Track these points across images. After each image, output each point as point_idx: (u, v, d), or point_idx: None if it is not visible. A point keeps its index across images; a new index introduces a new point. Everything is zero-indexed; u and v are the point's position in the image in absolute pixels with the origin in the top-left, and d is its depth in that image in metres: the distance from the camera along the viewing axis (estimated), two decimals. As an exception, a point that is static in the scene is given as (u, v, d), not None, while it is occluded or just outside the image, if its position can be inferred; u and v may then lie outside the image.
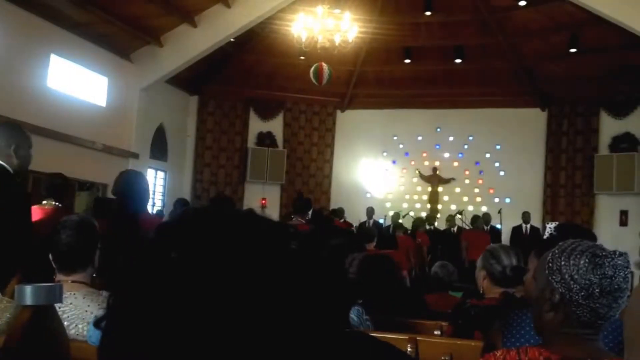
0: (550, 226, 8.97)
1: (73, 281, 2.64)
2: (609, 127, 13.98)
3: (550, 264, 1.59)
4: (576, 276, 1.53)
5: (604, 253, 1.55)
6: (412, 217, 14.26)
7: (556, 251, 1.60)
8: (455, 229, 13.27)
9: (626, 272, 1.55)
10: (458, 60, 14.37)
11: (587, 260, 1.54)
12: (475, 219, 12.68)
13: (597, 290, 1.51)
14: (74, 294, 2.57)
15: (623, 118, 13.80)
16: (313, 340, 0.63)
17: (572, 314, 1.55)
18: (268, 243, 0.66)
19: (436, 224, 13.56)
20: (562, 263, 1.56)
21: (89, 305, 2.54)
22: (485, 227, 12.51)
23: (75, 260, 2.67)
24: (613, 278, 1.52)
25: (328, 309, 0.66)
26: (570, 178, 14.43)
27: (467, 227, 13.22)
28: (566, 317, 1.56)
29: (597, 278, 1.51)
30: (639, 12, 10.67)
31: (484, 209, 14.66)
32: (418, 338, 2.97)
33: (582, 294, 1.52)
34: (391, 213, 14.12)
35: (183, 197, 11.27)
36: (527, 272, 2.86)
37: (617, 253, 1.56)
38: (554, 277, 1.57)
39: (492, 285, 3.13)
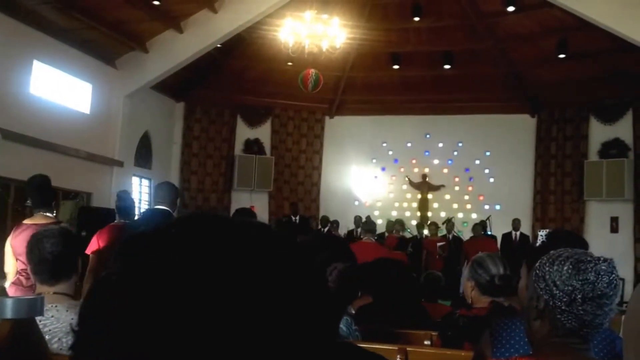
0: (542, 233, 8.90)
1: (55, 293, 2.59)
2: (599, 133, 13.98)
3: (537, 271, 1.59)
4: (558, 282, 1.53)
5: (588, 259, 1.54)
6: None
7: (544, 259, 1.60)
8: (450, 236, 13.15)
9: (610, 278, 1.52)
10: (447, 66, 14.34)
11: (570, 266, 1.53)
12: (476, 226, 12.56)
13: (579, 296, 1.50)
14: (56, 306, 2.51)
15: (612, 124, 13.79)
16: (300, 351, 0.60)
17: (557, 321, 1.54)
18: (255, 250, 0.62)
19: (426, 231, 13.45)
20: (547, 269, 1.56)
21: (72, 318, 2.47)
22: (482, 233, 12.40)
23: (60, 269, 2.62)
24: (595, 283, 1.50)
25: (313, 315, 0.62)
26: (560, 184, 14.41)
27: (457, 234, 13.14)
28: (553, 325, 1.56)
29: (579, 283, 1.51)
30: (627, 17, 10.66)
31: (474, 216, 14.63)
32: (408, 349, 3.00)
33: (565, 299, 1.52)
34: (380, 222, 14.01)
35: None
36: (516, 280, 2.77)
37: (602, 259, 1.55)
38: (539, 283, 1.57)
39: (480, 295, 3.14)
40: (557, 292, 1.53)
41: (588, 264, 1.53)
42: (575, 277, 1.51)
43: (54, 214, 4.79)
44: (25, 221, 4.63)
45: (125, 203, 5.81)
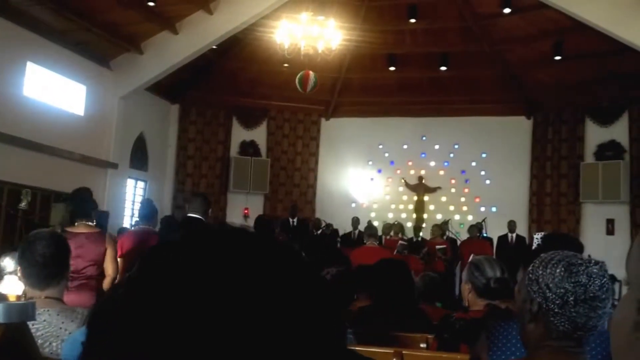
0: (537, 237, 8.90)
1: (47, 297, 2.56)
2: (595, 134, 13.96)
3: (530, 275, 1.61)
4: (551, 284, 1.55)
5: (579, 261, 1.57)
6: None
7: (537, 262, 1.62)
8: (446, 237, 13.11)
9: (602, 281, 1.54)
10: (443, 68, 14.32)
11: (562, 268, 1.55)
12: (472, 228, 12.53)
13: (571, 298, 1.52)
14: (48, 310, 2.48)
15: (608, 126, 13.78)
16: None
17: (550, 324, 1.56)
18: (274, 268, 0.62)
19: (422, 233, 13.40)
20: (540, 272, 1.58)
21: (63, 322, 2.46)
22: (478, 235, 12.36)
23: (51, 271, 2.59)
24: (587, 286, 1.52)
25: (319, 328, 0.62)
26: (556, 186, 14.39)
27: (454, 236, 13.11)
28: (546, 328, 1.57)
29: (571, 286, 1.53)
30: (623, 19, 10.67)
31: (470, 217, 14.61)
32: (403, 352, 2.97)
33: (557, 302, 1.53)
34: (376, 223, 13.95)
35: (164, 208, 11.09)
36: (513, 283, 2.77)
37: (593, 261, 1.58)
38: (532, 287, 1.59)
39: (476, 298, 3.16)
40: (550, 294, 1.54)
41: (580, 266, 1.55)
42: (568, 280, 1.53)
43: (95, 223, 5.20)
44: (69, 229, 4.97)
45: (147, 210, 6.47)
